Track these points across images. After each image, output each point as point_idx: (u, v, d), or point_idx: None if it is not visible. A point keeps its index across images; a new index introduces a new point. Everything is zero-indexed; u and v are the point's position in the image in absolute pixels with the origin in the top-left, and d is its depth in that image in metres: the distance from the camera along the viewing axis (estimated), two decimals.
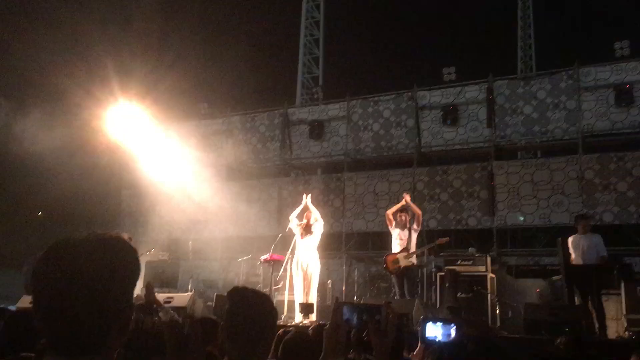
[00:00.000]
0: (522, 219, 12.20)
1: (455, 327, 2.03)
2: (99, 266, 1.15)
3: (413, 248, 8.84)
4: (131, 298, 1.23)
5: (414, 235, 8.90)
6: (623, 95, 12.36)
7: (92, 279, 1.13)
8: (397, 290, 8.93)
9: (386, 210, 9.68)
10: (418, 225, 9.03)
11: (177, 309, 6.80)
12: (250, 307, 2.01)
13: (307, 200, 8.96)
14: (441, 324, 2.07)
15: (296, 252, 8.56)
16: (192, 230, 14.37)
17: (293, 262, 8.56)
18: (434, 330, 2.09)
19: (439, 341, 2.06)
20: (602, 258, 8.15)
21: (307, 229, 8.61)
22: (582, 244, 8.34)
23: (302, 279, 8.47)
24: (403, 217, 8.96)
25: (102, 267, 1.15)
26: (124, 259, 1.21)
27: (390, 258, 8.85)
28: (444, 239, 10.14)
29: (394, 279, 9.04)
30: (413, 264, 8.88)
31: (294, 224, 8.74)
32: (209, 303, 10.49)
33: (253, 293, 2.12)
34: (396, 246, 8.92)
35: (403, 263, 8.71)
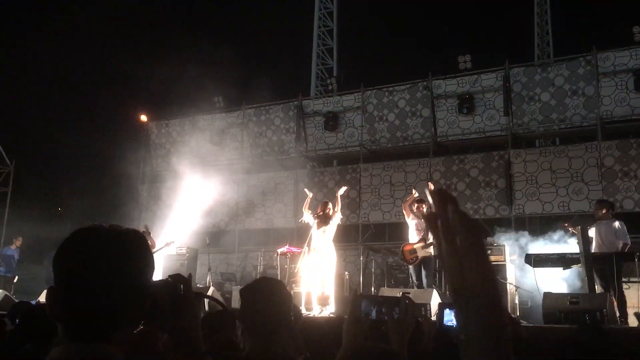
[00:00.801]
0: None
1: None
2: (119, 255, 1.21)
3: (430, 238, 8.80)
4: (146, 290, 1.27)
5: None
6: None
7: (111, 266, 1.19)
8: (414, 281, 8.91)
9: (402, 201, 9.67)
10: None
11: None
12: (262, 302, 2.03)
13: (340, 192, 8.92)
14: None
15: (312, 243, 8.57)
16: (210, 223, 14.46)
17: (309, 254, 8.58)
18: (451, 317, 2.08)
19: (455, 327, 2.05)
20: (625, 245, 8.03)
21: (323, 220, 8.59)
22: (600, 231, 8.25)
23: (318, 270, 8.48)
24: (422, 208, 8.91)
25: (122, 257, 1.22)
26: (141, 251, 1.27)
27: (407, 248, 8.83)
28: None
29: (411, 270, 9.01)
30: (431, 254, 8.84)
31: (307, 215, 8.76)
32: (227, 296, 10.57)
33: (265, 287, 2.12)
34: (413, 236, 8.89)
35: (420, 253, 8.68)
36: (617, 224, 8.25)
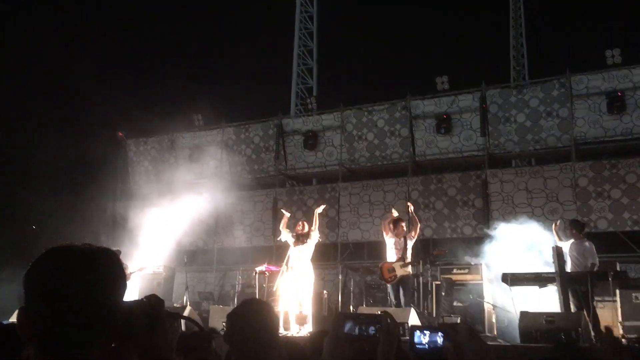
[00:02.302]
0: None
1: (442, 335, 2.03)
2: (92, 274, 1.22)
3: (409, 257, 8.82)
4: (118, 307, 1.27)
5: (410, 244, 8.89)
6: (615, 102, 12.45)
7: (84, 285, 1.20)
8: (393, 300, 8.89)
9: (381, 219, 9.72)
10: (415, 235, 9.04)
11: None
12: (249, 325, 2.02)
13: (318, 210, 8.96)
14: (429, 332, 2.07)
15: (290, 262, 8.55)
16: (187, 242, 14.32)
17: (287, 273, 8.54)
18: (422, 339, 2.10)
19: (425, 349, 2.06)
20: (592, 265, 8.14)
21: (300, 239, 8.58)
22: (572, 250, 8.37)
23: (296, 289, 8.44)
24: (401, 226, 8.94)
25: (95, 275, 1.22)
26: (114, 270, 1.27)
27: (386, 267, 8.83)
28: (441, 250, 10.20)
29: (389, 288, 9.00)
30: (409, 273, 8.86)
31: (285, 234, 8.76)
32: (204, 315, 10.44)
33: (252, 310, 2.11)
34: (391, 255, 8.90)
35: (399, 272, 8.69)
36: (586, 244, 8.38)
